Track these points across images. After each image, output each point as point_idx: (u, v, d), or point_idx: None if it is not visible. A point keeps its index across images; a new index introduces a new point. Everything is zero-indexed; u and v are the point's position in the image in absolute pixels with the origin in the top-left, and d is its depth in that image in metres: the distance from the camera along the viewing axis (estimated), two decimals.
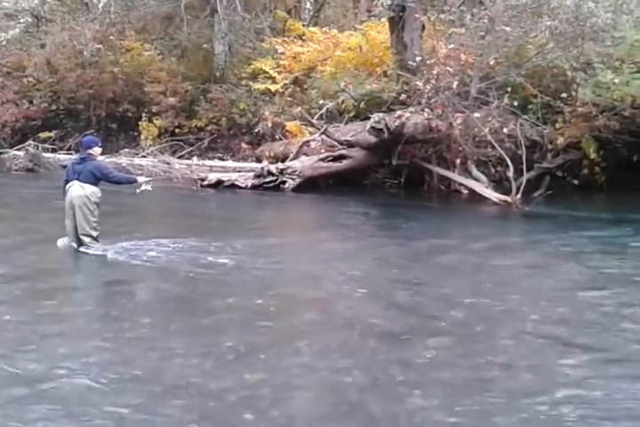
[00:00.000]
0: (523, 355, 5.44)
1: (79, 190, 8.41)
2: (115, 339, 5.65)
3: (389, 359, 5.31)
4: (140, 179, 9.12)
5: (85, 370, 4.95)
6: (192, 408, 4.41)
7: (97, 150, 8.73)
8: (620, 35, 14.17)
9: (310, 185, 14.58)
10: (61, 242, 8.68)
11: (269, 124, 17.24)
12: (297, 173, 14.67)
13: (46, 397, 4.52)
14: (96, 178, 8.46)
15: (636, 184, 14.00)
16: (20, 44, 21.99)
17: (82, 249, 8.46)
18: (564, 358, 5.36)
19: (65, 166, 9.28)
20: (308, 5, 25.26)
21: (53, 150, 18.84)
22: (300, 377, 4.98)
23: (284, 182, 14.66)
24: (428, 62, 14.61)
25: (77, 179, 8.43)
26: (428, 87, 14.03)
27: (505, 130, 13.68)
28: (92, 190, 8.43)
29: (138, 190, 8.84)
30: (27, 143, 18.59)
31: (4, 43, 20.37)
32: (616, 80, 13.60)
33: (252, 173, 15.08)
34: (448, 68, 13.89)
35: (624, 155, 14.53)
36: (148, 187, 8.88)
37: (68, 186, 8.51)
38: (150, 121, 19.65)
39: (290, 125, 16.92)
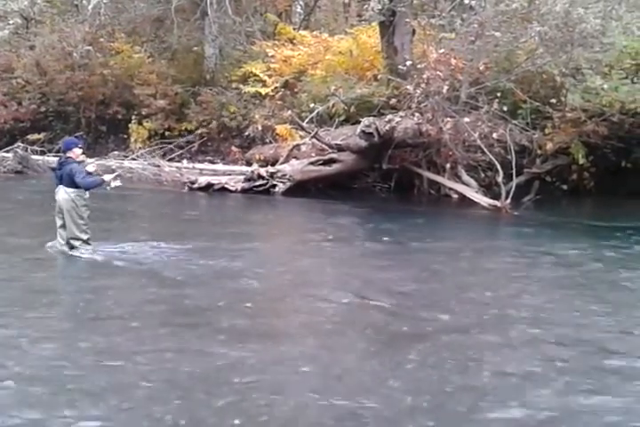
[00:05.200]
0: (511, 359, 5.46)
1: (64, 195, 8.36)
2: (102, 342, 5.61)
3: (380, 363, 5.30)
4: (106, 177, 8.63)
5: (73, 373, 4.93)
6: (181, 412, 4.40)
7: (77, 151, 8.50)
8: (608, 41, 14.26)
9: (300, 189, 14.58)
10: (50, 246, 8.64)
11: (259, 128, 17.24)
12: (287, 176, 14.66)
13: (24, 400, 4.50)
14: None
15: (624, 189, 14.13)
16: (9, 46, 21.91)
17: (72, 252, 8.42)
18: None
19: (53, 169, 9.17)
20: (299, 9, 25.27)
21: (42, 152, 18.71)
22: (290, 382, 4.97)
23: (274, 186, 14.65)
24: (418, 67, 14.63)
25: (61, 183, 8.40)
26: (419, 92, 14.07)
27: (494, 135, 13.74)
28: (77, 194, 8.36)
29: (108, 188, 8.54)
30: (15, 145, 18.49)
31: None
32: (605, 86, 13.72)
33: (242, 177, 15.06)
34: (438, 72, 13.92)
35: (612, 160, 14.64)
36: (117, 182, 8.54)
37: (55, 190, 8.48)
38: (140, 123, 19.60)
39: (280, 129, 16.92)
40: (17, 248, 8.81)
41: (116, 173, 8.90)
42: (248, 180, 14.82)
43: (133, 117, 19.74)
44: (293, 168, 14.90)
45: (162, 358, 5.28)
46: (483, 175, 14.60)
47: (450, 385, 4.92)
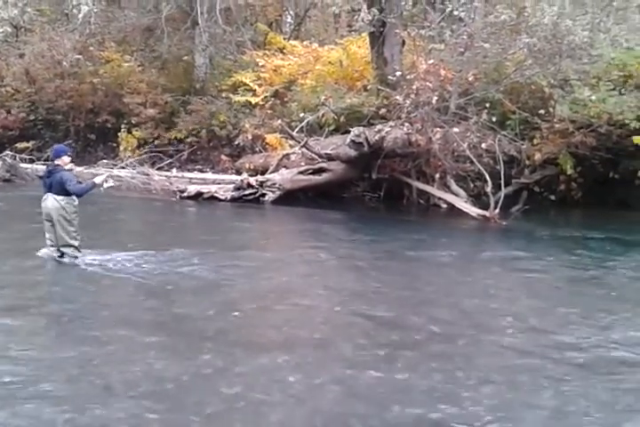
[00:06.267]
0: (501, 368, 5.47)
1: (54, 203, 8.33)
2: (90, 351, 5.58)
3: (367, 373, 5.29)
4: (97, 179, 8.58)
5: (60, 382, 4.90)
6: (170, 421, 4.38)
7: (66, 159, 8.51)
8: (596, 53, 14.41)
9: (290, 198, 14.59)
10: (42, 253, 8.59)
11: (249, 137, 17.26)
12: (277, 185, 14.68)
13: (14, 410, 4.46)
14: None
15: (612, 199, 14.21)
16: None
17: (63, 259, 8.38)
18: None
19: (41, 177, 9.13)
20: (289, 19, 25.41)
21: (31, 161, 18.68)
22: (277, 391, 4.95)
23: (263, 195, 14.66)
24: (407, 77, 14.71)
25: (50, 191, 8.37)
26: (408, 102, 14.12)
27: (483, 145, 13.79)
28: (67, 201, 8.34)
29: (102, 189, 8.55)
30: (4, 153, 18.42)
31: None
32: (593, 97, 13.82)
33: (231, 186, 15.06)
34: (428, 83, 13.98)
35: (600, 171, 14.72)
36: (110, 183, 8.58)
37: (43, 198, 8.44)
38: (129, 132, 19.59)
39: (270, 138, 16.95)
40: (4, 256, 8.75)
41: (106, 175, 8.86)
42: (238, 189, 14.82)
43: (123, 126, 19.73)
44: (283, 177, 14.91)
45: (150, 366, 5.26)
46: (472, 185, 14.65)
47: (438, 394, 4.92)
